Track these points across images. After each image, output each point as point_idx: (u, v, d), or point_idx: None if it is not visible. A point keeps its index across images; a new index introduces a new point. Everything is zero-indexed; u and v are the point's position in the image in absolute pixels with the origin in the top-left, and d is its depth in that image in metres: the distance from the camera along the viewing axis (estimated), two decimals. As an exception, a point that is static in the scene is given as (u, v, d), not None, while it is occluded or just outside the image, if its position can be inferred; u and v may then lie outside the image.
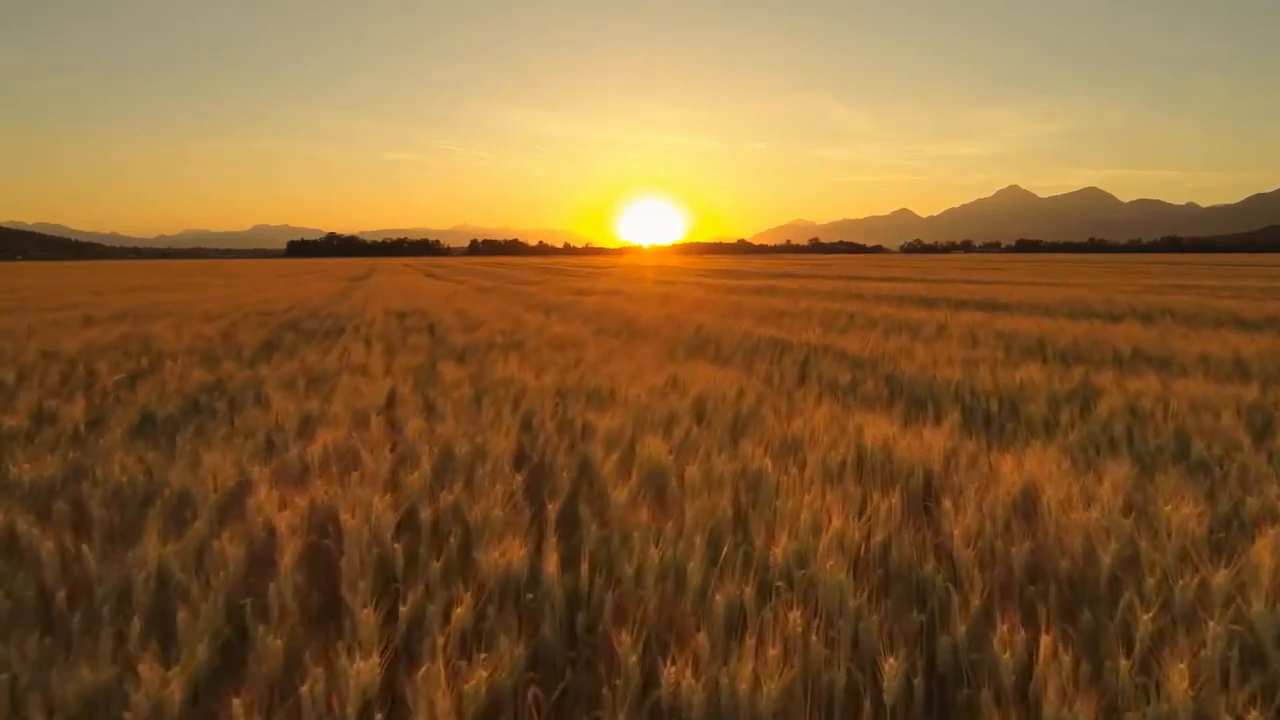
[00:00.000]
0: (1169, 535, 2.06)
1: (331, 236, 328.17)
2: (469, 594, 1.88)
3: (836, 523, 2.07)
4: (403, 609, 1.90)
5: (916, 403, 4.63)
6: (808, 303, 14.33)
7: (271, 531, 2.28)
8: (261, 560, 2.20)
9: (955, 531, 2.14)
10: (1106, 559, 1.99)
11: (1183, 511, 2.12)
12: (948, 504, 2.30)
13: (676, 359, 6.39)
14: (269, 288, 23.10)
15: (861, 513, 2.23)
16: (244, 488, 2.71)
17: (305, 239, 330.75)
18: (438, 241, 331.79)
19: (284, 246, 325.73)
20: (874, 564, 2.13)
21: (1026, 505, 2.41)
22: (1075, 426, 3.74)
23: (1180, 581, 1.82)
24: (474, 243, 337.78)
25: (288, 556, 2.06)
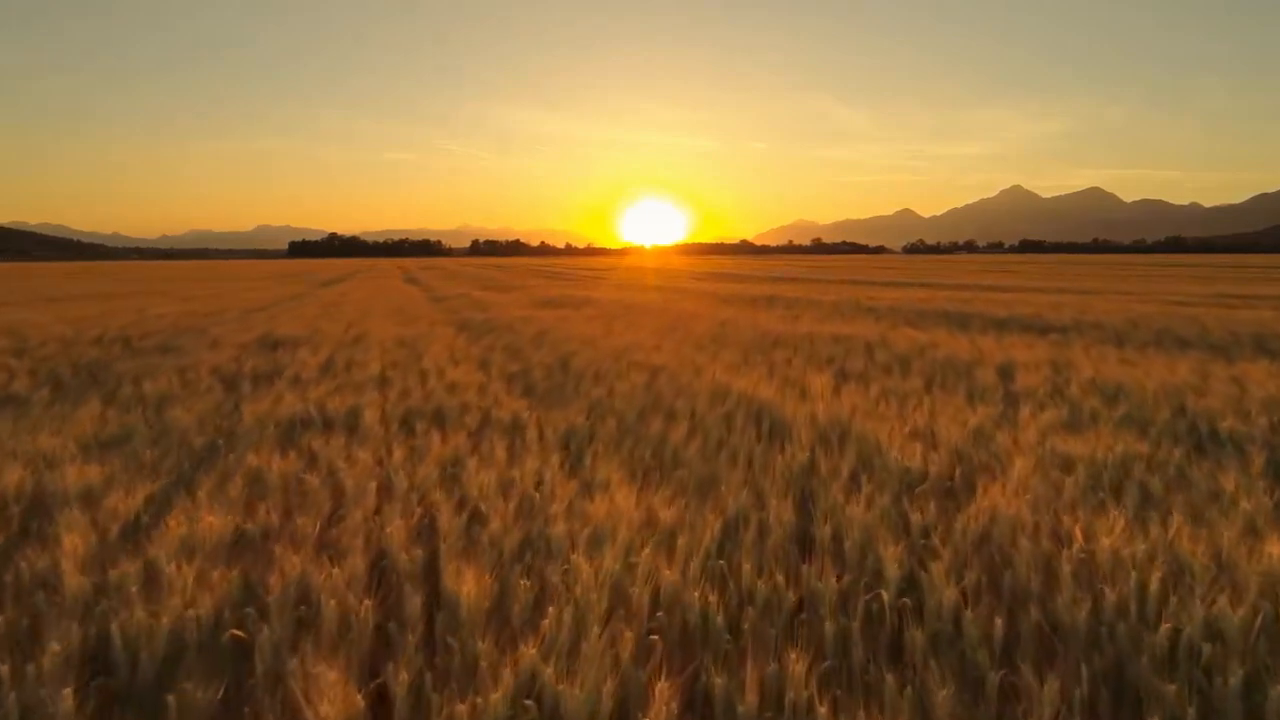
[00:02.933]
0: None
1: (333, 237, 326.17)
2: None
3: None
4: None
5: (1079, 651, 1.91)
6: (810, 322, 11.60)
7: None
8: None
9: None
10: None
11: None
12: None
13: (588, 460, 3.68)
14: (199, 297, 20.42)
15: None
16: None
17: (307, 239, 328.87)
18: (439, 242, 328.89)
19: (285, 247, 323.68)
20: None
21: None
22: None
23: None
24: (475, 243, 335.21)
25: None
